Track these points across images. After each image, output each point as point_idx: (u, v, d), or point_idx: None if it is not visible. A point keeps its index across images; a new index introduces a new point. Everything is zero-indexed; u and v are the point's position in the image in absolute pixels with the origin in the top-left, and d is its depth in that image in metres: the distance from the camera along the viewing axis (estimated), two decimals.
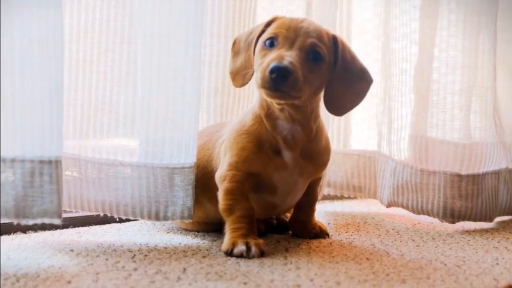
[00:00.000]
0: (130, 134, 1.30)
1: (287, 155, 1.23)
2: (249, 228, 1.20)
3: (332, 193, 1.81)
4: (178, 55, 1.25)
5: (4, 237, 1.26)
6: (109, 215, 1.28)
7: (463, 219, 1.54)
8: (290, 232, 1.40)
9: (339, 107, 1.28)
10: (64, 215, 1.22)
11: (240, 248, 1.16)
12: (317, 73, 1.19)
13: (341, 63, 1.23)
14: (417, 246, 1.32)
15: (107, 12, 1.27)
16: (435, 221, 1.59)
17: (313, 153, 1.26)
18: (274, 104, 1.21)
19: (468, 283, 1.05)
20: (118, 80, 1.28)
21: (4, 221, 1.12)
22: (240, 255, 1.15)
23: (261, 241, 1.19)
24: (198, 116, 1.30)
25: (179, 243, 1.27)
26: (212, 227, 1.36)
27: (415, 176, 1.56)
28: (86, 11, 1.27)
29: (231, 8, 1.51)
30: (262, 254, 1.17)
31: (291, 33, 1.18)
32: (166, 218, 1.27)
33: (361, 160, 1.77)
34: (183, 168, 1.27)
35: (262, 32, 1.23)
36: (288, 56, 1.14)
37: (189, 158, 1.27)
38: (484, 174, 1.56)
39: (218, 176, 1.25)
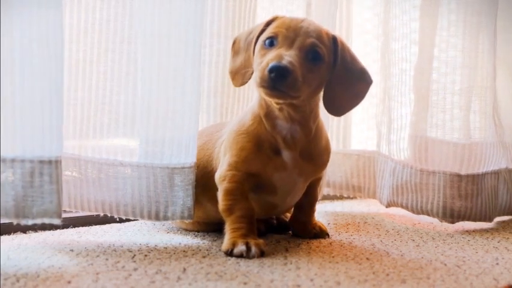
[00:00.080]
0: (130, 134, 1.30)
1: (286, 155, 1.23)
2: (249, 228, 1.20)
3: (331, 193, 1.81)
4: (178, 55, 1.25)
5: (4, 237, 1.26)
6: (109, 215, 1.28)
7: (463, 219, 1.54)
8: (290, 232, 1.40)
9: (338, 108, 1.28)
10: (64, 215, 1.22)
11: (240, 248, 1.16)
12: (316, 73, 1.19)
13: (340, 63, 1.23)
14: (417, 246, 1.32)
15: (107, 12, 1.27)
16: (435, 221, 1.59)
17: (313, 153, 1.26)
18: (273, 103, 1.21)
19: (468, 283, 1.05)
20: (118, 80, 1.28)
21: (4, 221, 1.12)
22: (240, 255, 1.15)
23: (261, 241, 1.19)
24: (198, 116, 1.30)
25: (179, 243, 1.27)
26: (212, 227, 1.36)
27: (415, 176, 1.56)
28: (86, 11, 1.27)
29: (230, 8, 1.51)
30: (262, 254, 1.17)
31: (291, 33, 1.18)
32: (166, 218, 1.27)
33: (360, 160, 1.77)
34: (183, 168, 1.27)
35: (262, 31, 1.23)
36: (288, 56, 1.14)
37: (189, 158, 1.27)
38: (484, 174, 1.56)
39: (218, 176, 1.25)
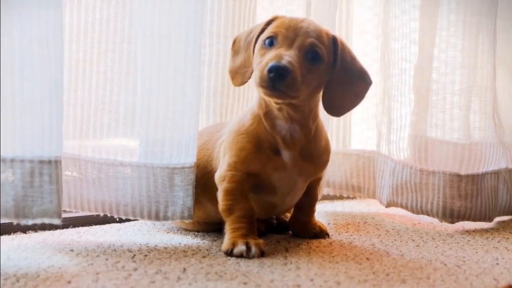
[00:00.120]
0: (130, 134, 1.30)
1: (286, 155, 1.23)
2: (249, 228, 1.20)
3: (331, 193, 1.81)
4: (178, 55, 1.25)
5: (4, 237, 1.26)
6: (109, 215, 1.28)
7: (462, 219, 1.54)
8: (290, 232, 1.40)
9: (337, 108, 1.27)
10: (64, 215, 1.22)
11: (240, 248, 1.16)
12: (316, 73, 1.19)
13: (340, 63, 1.23)
14: (417, 246, 1.32)
15: (107, 12, 1.27)
16: (435, 221, 1.59)
17: (312, 153, 1.26)
18: (273, 103, 1.21)
19: (468, 283, 1.05)
20: (118, 80, 1.28)
21: (4, 221, 1.12)
22: (240, 255, 1.15)
23: (261, 241, 1.19)
24: (198, 116, 1.30)
25: (179, 243, 1.27)
26: (212, 227, 1.36)
27: (414, 176, 1.56)
28: (86, 11, 1.27)
29: (230, 8, 1.51)
30: (262, 254, 1.17)
31: (291, 33, 1.18)
32: (166, 218, 1.27)
33: (360, 160, 1.77)
34: (183, 168, 1.27)
35: (262, 31, 1.23)
36: (287, 56, 1.14)
37: (189, 158, 1.27)
38: (484, 174, 1.56)
39: (217, 177, 1.25)
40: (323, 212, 1.67)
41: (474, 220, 1.55)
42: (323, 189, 1.70)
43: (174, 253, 1.18)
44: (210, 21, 1.49)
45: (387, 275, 1.08)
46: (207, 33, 1.48)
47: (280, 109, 1.22)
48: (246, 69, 1.25)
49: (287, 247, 1.27)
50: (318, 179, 1.37)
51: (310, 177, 1.31)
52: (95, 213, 1.31)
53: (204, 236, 1.35)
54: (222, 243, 1.20)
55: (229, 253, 1.16)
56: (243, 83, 1.27)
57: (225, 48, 1.49)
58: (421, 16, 1.59)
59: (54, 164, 1.09)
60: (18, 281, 0.97)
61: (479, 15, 1.57)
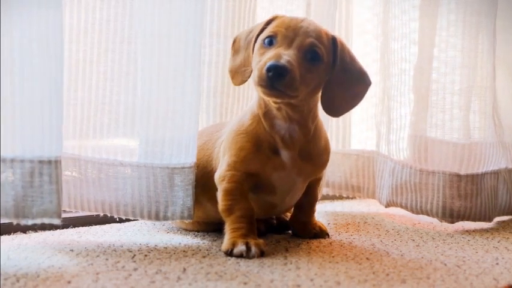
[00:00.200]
0: (130, 134, 1.30)
1: (285, 155, 1.23)
2: (249, 228, 1.20)
3: (330, 193, 1.81)
4: (178, 55, 1.25)
5: (4, 237, 1.26)
6: (109, 215, 1.28)
7: (462, 219, 1.54)
8: (290, 232, 1.40)
9: (336, 108, 1.27)
10: (64, 215, 1.22)
11: (240, 248, 1.16)
12: (315, 73, 1.19)
13: (339, 64, 1.23)
14: (417, 246, 1.32)
15: (107, 12, 1.27)
16: (435, 221, 1.59)
17: (312, 153, 1.26)
18: (272, 102, 1.21)
19: (468, 283, 1.05)
20: (118, 80, 1.28)
21: (4, 221, 1.12)
22: (240, 255, 1.15)
23: (261, 241, 1.19)
24: (198, 116, 1.30)
25: (179, 243, 1.27)
26: (212, 227, 1.36)
27: (414, 176, 1.56)
28: (86, 11, 1.27)
29: (230, 8, 1.51)
30: (262, 254, 1.17)
31: (290, 33, 1.18)
32: (166, 218, 1.27)
33: (360, 160, 1.77)
34: (183, 168, 1.27)
35: (262, 30, 1.23)
36: (286, 55, 1.14)
37: (189, 158, 1.27)
38: (483, 174, 1.56)
39: (217, 177, 1.25)
40: (323, 212, 1.68)
41: (474, 220, 1.55)
42: (323, 189, 1.70)
43: (174, 253, 1.18)
44: (210, 21, 1.49)
45: (387, 275, 1.08)
46: (207, 33, 1.48)
47: (279, 109, 1.22)
48: (245, 69, 1.25)
49: (287, 247, 1.27)
50: (318, 179, 1.37)
51: (309, 177, 1.31)
52: (95, 213, 1.31)
53: (204, 236, 1.35)
54: (221, 243, 1.20)
55: (229, 253, 1.16)
56: (242, 82, 1.27)
57: (225, 48, 1.49)
58: (421, 16, 1.59)
59: (54, 164, 1.09)
60: (18, 281, 0.97)
61: (478, 15, 1.57)
